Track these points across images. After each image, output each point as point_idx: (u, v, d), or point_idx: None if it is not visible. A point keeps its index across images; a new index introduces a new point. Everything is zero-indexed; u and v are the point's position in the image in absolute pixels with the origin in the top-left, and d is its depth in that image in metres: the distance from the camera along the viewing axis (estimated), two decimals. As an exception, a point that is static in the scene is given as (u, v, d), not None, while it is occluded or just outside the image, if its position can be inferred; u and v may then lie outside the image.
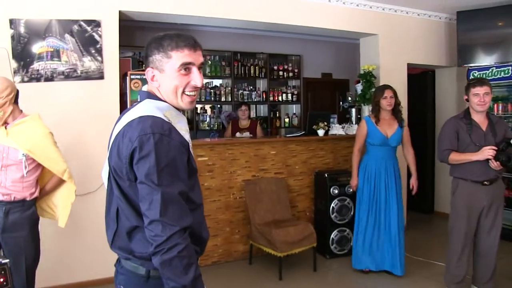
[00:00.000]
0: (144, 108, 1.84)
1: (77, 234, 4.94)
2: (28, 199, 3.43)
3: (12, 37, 4.62)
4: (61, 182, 3.63)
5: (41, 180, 3.59)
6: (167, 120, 1.80)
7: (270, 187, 5.82)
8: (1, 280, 2.57)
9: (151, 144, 1.71)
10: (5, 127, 3.37)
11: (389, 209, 5.14)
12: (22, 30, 4.64)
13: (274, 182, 5.89)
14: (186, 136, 1.88)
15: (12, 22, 4.61)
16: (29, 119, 3.46)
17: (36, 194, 3.50)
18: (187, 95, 1.92)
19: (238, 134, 6.97)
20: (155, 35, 1.93)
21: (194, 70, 1.90)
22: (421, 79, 8.35)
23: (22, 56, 4.66)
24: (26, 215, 3.43)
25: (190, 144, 1.91)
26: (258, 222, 5.50)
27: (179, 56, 1.86)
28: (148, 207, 1.71)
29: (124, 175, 1.82)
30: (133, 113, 1.84)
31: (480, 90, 4.31)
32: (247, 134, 6.93)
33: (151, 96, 1.92)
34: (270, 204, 5.72)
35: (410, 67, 7.47)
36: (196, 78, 1.91)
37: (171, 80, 1.88)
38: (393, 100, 5.12)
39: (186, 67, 1.87)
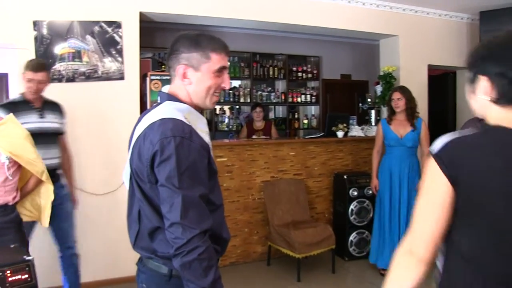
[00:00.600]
0: (164, 110, 1.84)
1: (97, 233, 4.98)
2: (10, 203, 3.33)
3: (35, 39, 4.67)
4: (39, 182, 3.57)
5: (19, 183, 3.49)
6: (187, 123, 1.80)
7: (289, 188, 5.80)
8: (26, 276, 2.60)
9: (172, 147, 1.71)
10: None
11: (405, 208, 5.12)
12: (45, 31, 4.70)
13: (293, 183, 5.88)
14: (206, 138, 1.89)
15: (35, 24, 4.67)
16: (8, 121, 3.37)
17: (18, 197, 3.41)
18: (215, 95, 1.96)
19: (254, 137, 6.99)
20: (185, 32, 1.95)
21: (226, 73, 1.96)
22: (442, 81, 8.27)
23: (45, 57, 4.71)
24: (9, 218, 3.33)
25: (210, 146, 1.91)
26: (276, 223, 5.50)
27: (218, 59, 1.90)
28: (169, 210, 1.72)
29: (145, 177, 1.83)
30: (153, 115, 1.84)
31: None
32: (261, 136, 6.94)
33: (171, 97, 1.92)
34: (288, 205, 5.71)
35: (431, 68, 7.40)
36: (227, 81, 1.97)
37: (206, 80, 1.91)
38: (401, 102, 5.12)
39: (221, 70, 1.92)
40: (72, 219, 4.18)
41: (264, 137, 6.87)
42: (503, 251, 1.44)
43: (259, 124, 7.37)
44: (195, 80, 1.91)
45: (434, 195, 1.51)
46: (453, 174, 1.46)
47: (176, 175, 1.71)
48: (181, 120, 1.79)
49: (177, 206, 1.70)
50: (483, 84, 1.51)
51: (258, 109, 7.38)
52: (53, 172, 3.83)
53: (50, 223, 3.71)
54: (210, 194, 1.87)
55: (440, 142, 1.53)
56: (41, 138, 3.70)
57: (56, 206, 3.77)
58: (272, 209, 5.58)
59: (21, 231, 3.46)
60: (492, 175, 1.42)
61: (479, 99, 1.57)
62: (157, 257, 1.90)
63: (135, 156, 1.86)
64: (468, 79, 1.59)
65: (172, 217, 1.70)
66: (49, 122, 4.00)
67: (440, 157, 1.50)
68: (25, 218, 3.60)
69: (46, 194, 3.66)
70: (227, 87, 1.98)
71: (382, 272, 5.29)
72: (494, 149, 1.45)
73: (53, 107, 4.05)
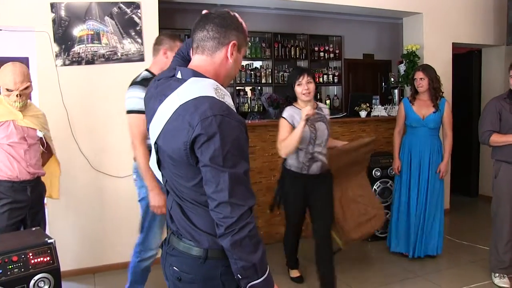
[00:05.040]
0: (195, 88, 1.78)
1: (119, 216, 5.01)
2: (42, 175, 3.74)
3: (53, 21, 4.66)
4: (49, 157, 3.96)
5: None
6: (220, 99, 1.76)
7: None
8: (48, 259, 2.62)
9: (214, 127, 1.67)
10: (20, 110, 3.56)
11: (424, 190, 5.06)
12: (63, 13, 4.68)
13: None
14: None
15: (53, 6, 4.65)
16: (30, 102, 3.73)
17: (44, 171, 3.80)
18: None
19: None
20: (230, 13, 1.92)
21: None
22: (467, 59, 8.11)
23: (63, 39, 4.70)
24: (42, 189, 3.77)
25: None
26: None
27: (246, 48, 2.00)
28: (214, 189, 1.69)
29: (183, 159, 1.77)
30: (182, 94, 1.78)
31: None
32: None
33: (197, 73, 1.85)
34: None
35: (456, 46, 7.27)
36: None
37: (239, 63, 1.96)
38: (424, 82, 4.98)
39: None
40: None
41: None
42: None
43: None
44: (234, 61, 1.91)
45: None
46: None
47: (220, 155, 1.67)
48: (216, 98, 1.75)
49: (224, 185, 1.67)
50: None
51: None
52: None
53: None
54: None
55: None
56: None
57: None
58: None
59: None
60: None
61: None
62: (194, 240, 1.87)
63: (168, 139, 1.81)
64: None
65: (219, 196, 1.68)
66: None
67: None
68: None
69: (54, 169, 4.03)
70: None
71: (405, 254, 5.23)
72: None
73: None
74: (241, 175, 1.71)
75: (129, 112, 3.54)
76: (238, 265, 1.70)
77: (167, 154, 1.85)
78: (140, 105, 3.21)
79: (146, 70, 3.77)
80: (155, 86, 1.95)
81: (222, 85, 1.88)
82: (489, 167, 6.34)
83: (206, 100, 1.72)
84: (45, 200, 3.99)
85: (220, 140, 1.66)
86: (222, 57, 1.87)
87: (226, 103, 1.77)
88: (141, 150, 3.48)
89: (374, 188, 5.75)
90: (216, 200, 1.68)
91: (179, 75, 1.87)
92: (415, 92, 5.10)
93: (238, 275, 1.72)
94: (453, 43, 7.12)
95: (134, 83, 3.63)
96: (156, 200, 3.54)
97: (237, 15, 1.93)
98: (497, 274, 4.47)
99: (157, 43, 3.76)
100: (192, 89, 1.77)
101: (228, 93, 1.87)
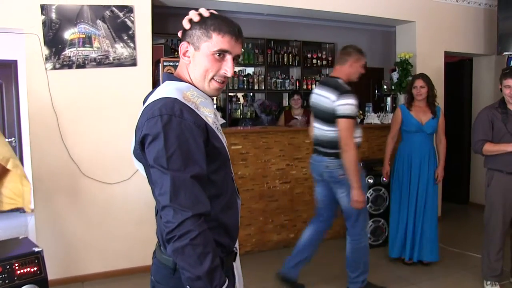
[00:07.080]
0: (161, 91, 1.76)
1: (109, 223, 4.95)
2: None
3: (44, 23, 4.59)
4: (5, 170, 3.62)
5: None
6: (182, 101, 1.70)
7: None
8: (35, 269, 2.56)
9: (159, 126, 1.62)
10: None
11: (422, 197, 5.06)
12: (53, 16, 4.61)
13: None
14: (210, 115, 1.77)
15: (43, 8, 4.58)
16: None
17: None
18: (216, 81, 1.82)
19: (293, 121, 6.95)
20: (213, 13, 1.86)
21: (228, 58, 1.80)
22: (458, 68, 8.14)
23: (54, 42, 4.63)
24: None
25: (215, 126, 1.79)
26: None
27: (219, 41, 1.77)
28: (159, 192, 1.63)
29: (141, 159, 1.78)
30: (151, 98, 1.78)
31: (510, 82, 4.19)
32: (298, 120, 6.87)
33: (171, 77, 1.84)
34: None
35: (448, 55, 7.30)
36: (228, 68, 1.81)
37: (203, 62, 1.79)
38: (424, 90, 5.01)
39: (221, 53, 1.78)
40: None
41: (301, 120, 6.85)
42: None
43: (297, 111, 7.32)
44: (194, 59, 1.81)
45: None
46: None
47: (164, 155, 1.61)
48: (173, 98, 1.69)
49: (166, 188, 1.60)
50: None
51: (296, 96, 7.34)
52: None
53: None
54: (213, 176, 1.76)
55: None
56: None
57: None
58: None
59: None
60: None
61: None
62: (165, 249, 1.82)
63: (134, 140, 1.81)
64: None
65: (163, 199, 1.61)
66: None
67: None
68: (6, 206, 3.68)
69: (22, 182, 3.71)
70: (228, 74, 1.81)
71: (407, 262, 5.21)
72: None
73: None
74: (186, 179, 1.62)
75: (346, 117, 3.98)
76: (185, 275, 1.62)
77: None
78: (354, 112, 4.02)
79: (337, 77, 4.32)
80: (150, 92, 1.96)
81: (201, 89, 1.84)
82: (480, 175, 6.36)
83: (161, 101, 1.69)
84: (32, 206, 3.89)
85: (164, 140, 1.62)
86: (182, 58, 1.85)
87: (194, 105, 1.72)
88: (355, 151, 4.02)
89: (367, 196, 5.73)
90: (161, 203, 1.63)
91: (161, 80, 1.90)
92: (411, 99, 5.10)
93: (187, 286, 1.63)
94: (445, 51, 7.15)
95: (347, 91, 4.08)
96: (360, 195, 4.04)
97: (215, 12, 1.85)
98: (489, 282, 4.48)
99: (346, 54, 4.41)
100: (160, 91, 1.77)
101: (205, 97, 1.83)
